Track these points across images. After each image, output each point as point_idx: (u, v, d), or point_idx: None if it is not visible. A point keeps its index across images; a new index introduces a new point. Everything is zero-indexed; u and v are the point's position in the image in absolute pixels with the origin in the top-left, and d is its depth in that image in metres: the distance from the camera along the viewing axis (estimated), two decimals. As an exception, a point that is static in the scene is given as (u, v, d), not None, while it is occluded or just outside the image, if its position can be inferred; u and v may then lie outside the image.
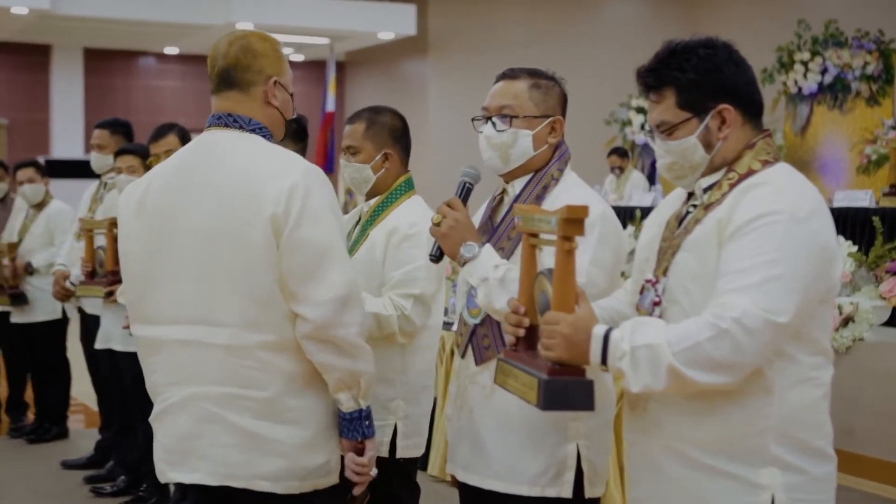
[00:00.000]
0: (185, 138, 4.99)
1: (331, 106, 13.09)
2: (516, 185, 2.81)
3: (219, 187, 2.44)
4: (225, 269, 2.41)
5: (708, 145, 2.25)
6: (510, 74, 2.81)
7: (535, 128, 2.77)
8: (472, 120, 2.84)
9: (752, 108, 2.28)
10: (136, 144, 5.73)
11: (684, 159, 2.27)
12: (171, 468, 2.53)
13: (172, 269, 2.47)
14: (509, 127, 2.75)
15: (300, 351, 2.45)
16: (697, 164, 2.27)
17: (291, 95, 2.64)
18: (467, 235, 2.64)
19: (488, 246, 2.65)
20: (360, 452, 2.58)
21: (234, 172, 2.45)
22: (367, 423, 2.56)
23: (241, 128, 2.53)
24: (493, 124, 2.77)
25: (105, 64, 17.20)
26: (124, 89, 17.41)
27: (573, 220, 2.10)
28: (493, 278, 2.57)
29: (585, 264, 2.56)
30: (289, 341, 2.44)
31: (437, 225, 2.67)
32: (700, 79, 2.22)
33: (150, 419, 2.58)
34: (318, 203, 2.43)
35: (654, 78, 2.27)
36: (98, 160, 6.10)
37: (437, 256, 2.73)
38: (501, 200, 2.87)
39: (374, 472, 2.63)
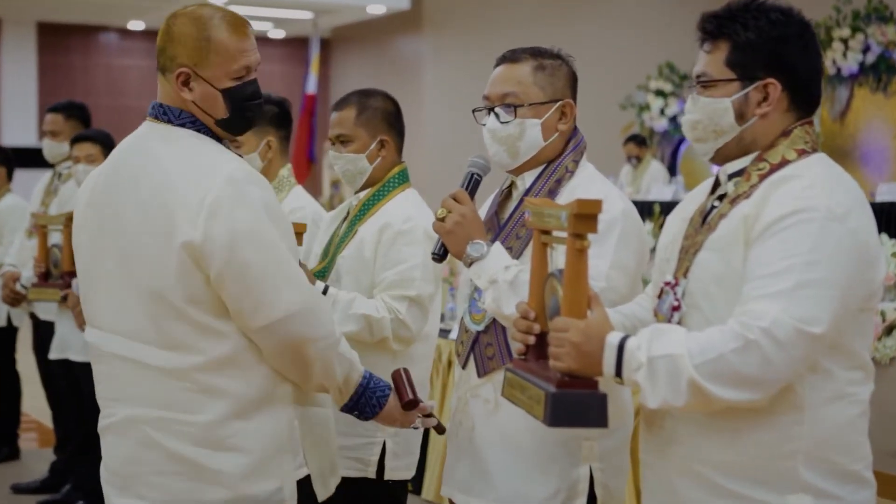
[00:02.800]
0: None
1: (312, 88, 13.11)
2: (526, 179, 2.81)
3: (136, 201, 2.44)
4: (139, 287, 2.42)
5: (741, 115, 2.27)
6: (511, 57, 2.81)
7: (544, 115, 2.77)
8: (473, 112, 2.85)
9: (802, 97, 2.29)
10: (94, 130, 5.72)
11: (710, 120, 2.29)
12: (116, 493, 2.53)
13: (108, 275, 2.49)
14: (514, 117, 2.75)
15: (246, 369, 2.46)
16: (723, 131, 2.29)
17: (225, 93, 2.52)
18: (475, 233, 2.64)
19: (498, 244, 2.65)
20: (411, 407, 2.74)
21: (151, 184, 2.44)
22: (361, 401, 2.67)
23: (169, 121, 2.52)
24: (497, 115, 2.77)
25: (61, 40, 17.20)
26: (83, 69, 17.41)
27: (585, 216, 2.11)
28: (503, 281, 2.57)
29: (605, 267, 2.57)
30: (227, 359, 2.44)
31: (442, 220, 2.66)
32: (759, 42, 2.24)
33: (98, 429, 2.58)
34: (245, 217, 2.40)
35: (714, 25, 2.29)
36: (51, 148, 6.10)
37: (440, 255, 2.72)
38: (510, 195, 2.87)
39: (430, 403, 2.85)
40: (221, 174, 2.41)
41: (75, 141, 5.56)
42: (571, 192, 2.72)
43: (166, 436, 2.44)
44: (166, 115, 2.52)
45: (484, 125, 2.80)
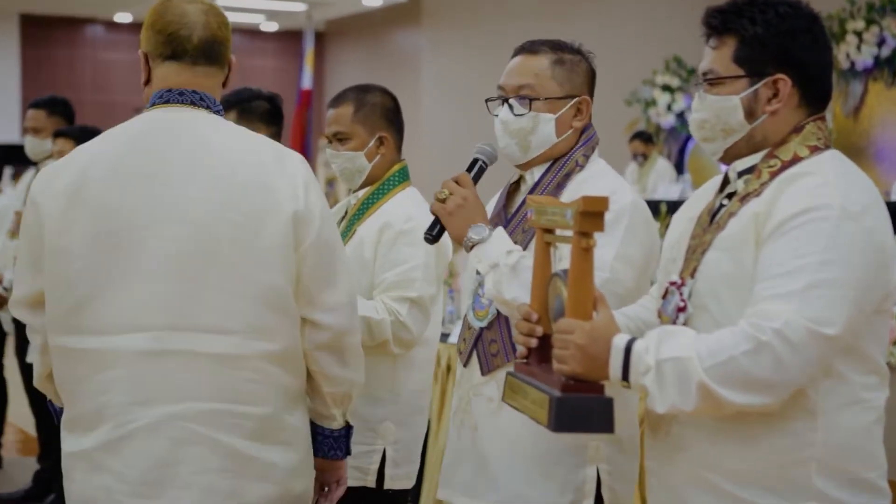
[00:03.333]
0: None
1: (307, 83, 13.09)
2: (535, 173, 2.82)
3: (215, 174, 2.45)
4: (224, 268, 2.42)
5: (750, 113, 2.28)
6: (530, 48, 2.82)
7: (559, 111, 2.78)
8: (487, 101, 2.86)
9: (813, 92, 2.29)
10: (75, 127, 5.73)
11: (718, 119, 2.30)
12: (140, 502, 2.44)
13: (135, 269, 2.42)
14: (529, 110, 2.76)
15: (299, 363, 2.53)
16: (732, 130, 2.30)
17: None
18: (477, 216, 2.65)
19: (500, 229, 2.66)
20: (338, 481, 2.72)
21: (233, 159, 2.47)
22: (350, 438, 2.72)
23: (208, 108, 2.56)
24: (511, 107, 2.78)
25: (45, 32, 17.21)
26: (68, 63, 17.42)
27: (591, 214, 2.11)
28: (505, 265, 2.58)
29: (610, 258, 2.58)
30: (293, 352, 2.51)
31: (442, 201, 2.67)
32: (767, 37, 2.25)
33: (92, 448, 2.45)
34: (323, 198, 2.55)
35: (720, 20, 2.30)
36: (34, 145, 6.11)
37: (434, 236, 2.71)
38: (518, 189, 2.88)
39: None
40: (296, 157, 2.56)
41: (56, 137, 5.56)
42: (580, 185, 2.73)
43: (216, 429, 2.42)
44: (204, 101, 2.56)
45: (496, 116, 2.81)
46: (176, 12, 2.57)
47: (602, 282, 2.49)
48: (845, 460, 2.17)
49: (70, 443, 2.51)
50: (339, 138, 3.43)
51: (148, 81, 2.60)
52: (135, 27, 17.64)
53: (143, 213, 2.43)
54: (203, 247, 2.42)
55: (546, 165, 2.80)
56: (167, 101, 2.55)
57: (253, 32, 17.87)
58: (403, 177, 3.47)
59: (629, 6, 14.28)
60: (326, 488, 2.75)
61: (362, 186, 3.46)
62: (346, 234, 3.39)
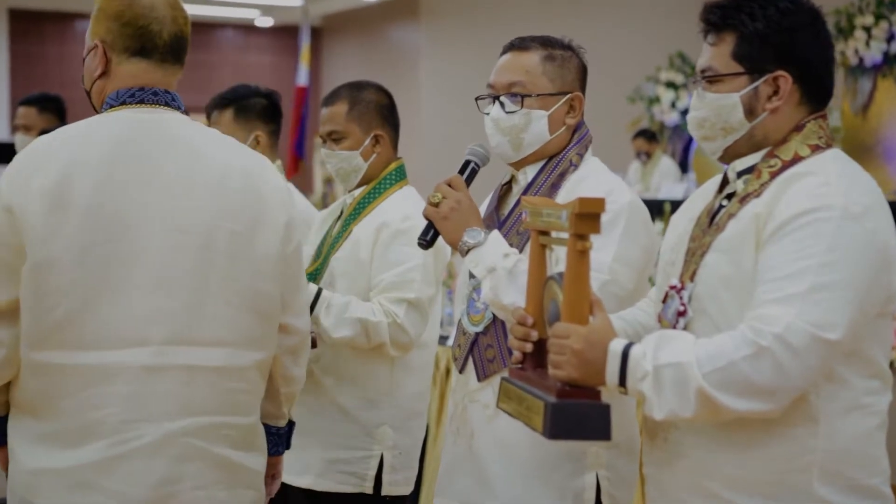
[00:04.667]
0: None
1: (303, 80, 13.07)
2: (528, 172, 2.82)
3: (209, 182, 2.44)
4: (221, 279, 2.42)
5: (750, 111, 2.28)
6: (519, 45, 2.83)
7: (551, 107, 2.79)
8: (477, 99, 2.86)
9: (815, 90, 2.30)
10: (68, 126, 5.73)
11: (718, 117, 2.30)
12: None
13: (131, 281, 2.37)
14: (521, 107, 2.77)
15: (269, 369, 2.58)
16: (732, 129, 2.30)
17: None
18: (471, 219, 2.65)
19: (496, 232, 2.67)
20: (274, 476, 2.80)
21: (223, 166, 2.47)
22: (291, 434, 2.82)
23: (178, 109, 2.54)
24: (502, 104, 2.79)
25: (35, 27, 17.18)
26: (58, 59, 17.39)
27: (587, 216, 2.12)
28: (502, 268, 2.58)
29: (608, 259, 2.59)
30: (271, 359, 2.57)
31: (436, 206, 2.67)
32: (768, 33, 2.25)
33: (78, 465, 2.37)
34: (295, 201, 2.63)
35: (718, 16, 2.30)
36: (24, 143, 6.10)
37: (428, 242, 2.71)
38: (510, 189, 2.89)
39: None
40: (269, 162, 2.61)
41: (41, 134, 5.57)
42: (576, 184, 2.74)
43: (213, 443, 2.44)
44: (175, 101, 2.54)
45: (487, 114, 2.81)
46: (144, 4, 2.51)
47: (601, 284, 2.49)
48: (847, 466, 2.17)
49: (40, 458, 2.39)
50: (333, 138, 3.44)
51: (103, 74, 2.53)
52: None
53: (138, 223, 2.38)
54: (201, 256, 2.41)
55: (539, 165, 2.81)
56: (141, 101, 2.50)
57: (247, 28, 17.84)
58: (400, 175, 3.48)
59: (632, 1, 14.29)
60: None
61: (358, 186, 3.47)
62: (342, 234, 3.39)
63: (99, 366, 2.37)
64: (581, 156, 2.82)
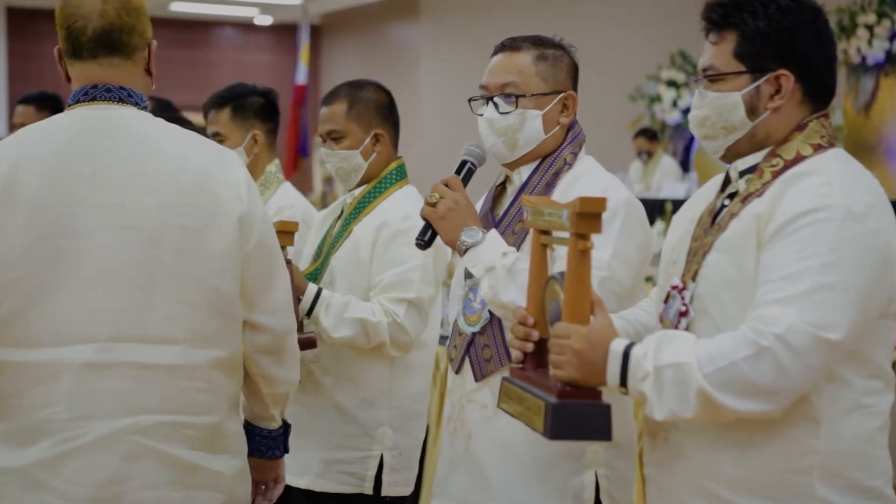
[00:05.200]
0: None
1: (302, 78, 13.08)
2: (523, 172, 2.83)
3: (159, 177, 2.42)
4: (171, 276, 2.40)
5: (752, 110, 2.29)
6: (511, 45, 2.83)
7: (545, 107, 2.80)
8: (469, 101, 2.87)
9: (817, 89, 2.30)
10: None
11: (720, 116, 2.31)
12: None
13: (78, 278, 2.37)
14: (515, 107, 2.78)
15: (240, 368, 2.55)
16: (733, 128, 2.30)
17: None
18: (469, 219, 2.66)
19: (494, 231, 2.68)
20: (276, 481, 2.78)
21: (174, 160, 2.44)
22: (287, 437, 2.77)
23: (136, 104, 2.51)
24: (496, 105, 2.80)
25: (32, 26, 17.16)
26: (55, 57, 17.42)
27: (588, 215, 2.12)
28: (501, 267, 2.59)
29: (606, 256, 2.59)
30: (236, 358, 2.52)
31: (433, 206, 2.68)
32: (769, 31, 2.26)
33: (28, 464, 2.37)
34: (261, 198, 2.56)
35: (720, 14, 2.30)
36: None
37: (426, 242, 2.72)
38: (504, 190, 2.90)
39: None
40: (232, 154, 2.55)
41: None
42: (570, 185, 2.75)
43: (165, 441, 2.41)
44: (132, 97, 2.51)
45: (481, 115, 2.82)
46: (73, 3, 2.50)
47: (599, 281, 2.50)
48: (849, 467, 2.18)
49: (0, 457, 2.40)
50: (333, 137, 3.44)
51: (69, 79, 2.54)
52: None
53: (86, 219, 2.38)
54: (149, 253, 2.39)
55: (534, 165, 2.82)
56: (93, 98, 2.49)
57: (246, 26, 17.85)
58: (401, 175, 3.48)
59: (633, -1, 14.28)
60: (264, 487, 2.77)
61: (358, 185, 3.47)
62: (342, 233, 3.40)
63: (45, 363, 2.37)
64: (575, 155, 2.83)
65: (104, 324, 2.37)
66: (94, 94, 2.48)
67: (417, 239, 2.72)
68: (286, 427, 2.76)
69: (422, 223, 2.73)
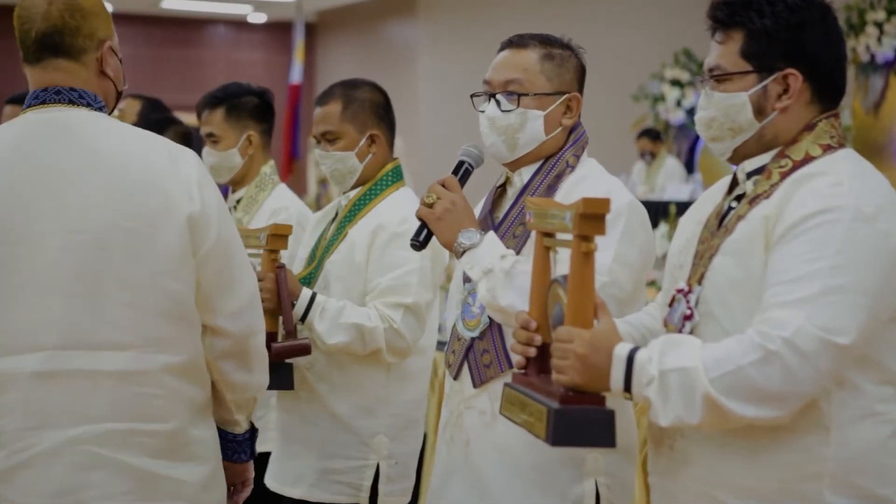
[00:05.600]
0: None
1: (297, 77, 13.08)
2: (524, 174, 2.83)
3: (104, 179, 2.40)
4: (119, 279, 2.38)
5: (760, 111, 2.28)
6: (518, 42, 2.83)
7: (548, 107, 2.79)
8: (472, 97, 2.87)
9: (826, 88, 2.30)
10: None
11: (727, 117, 2.31)
12: None
13: (24, 285, 2.37)
14: (517, 106, 2.77)
15: (202, 373, 2.53)
16: (740, 129, 2.30)
17: (121, 62, 2.60)
18: (466, 220, 2.66)
19: (492, 233, 2.67)
20: (244, 484, 2.79)
21: (122, 161, 2.43)
22: (254, 441, 2.78)
23: (88, 105, 2.50)
24: (498, 103, 2.79)
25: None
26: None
27: (592, 217, 2.12)
28: (500, 269, 2.59)
29: (608, 261, 2.59)
30: (196, 363, 2.51)
31: (430, 206, 2.68)
32: (777, 30, 2.26)
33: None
34: (218, 194, 2.52)
35: (726, 13, 2.30)
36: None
37: (421, 243, 2.72)
38: (504, 192, 2.89)
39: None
40: (188, 153, 2.51)
41: None
42: (574, 185, 2.75)
43: (120, 450, 2.40)
44: (83, 98, 2.49)
45: (482, 112, 2.82)
46: (24, 5, 2.49)
47: (601, 285, 2.50)
48: (859, 476, 2.17)
49: None
50: (327, 138, 3.43)
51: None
52: (114, 19, 17.61)
53: (32, 225, 2.38)
54: (96, 257, 2.38)
55: (535, 166, 2.82)
56: (44, 102, 2.49)
57: (240, 24, 17.85)
58: (397, 176, 3.48)
59: (636, -4, 14.28)
60: (232, 489, 2.77)
61: (354, 187, 3.47)
62: (337, 237, 3.39)
63: None
64: (577, 157, 2.83)
65: (52, 332, 2.37)
66: (45, 97, 2.49)
67: (412, 240, 2.72)
68: (253, 431, 2.76)
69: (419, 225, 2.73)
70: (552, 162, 2.81)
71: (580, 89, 2.86)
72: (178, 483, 2.46)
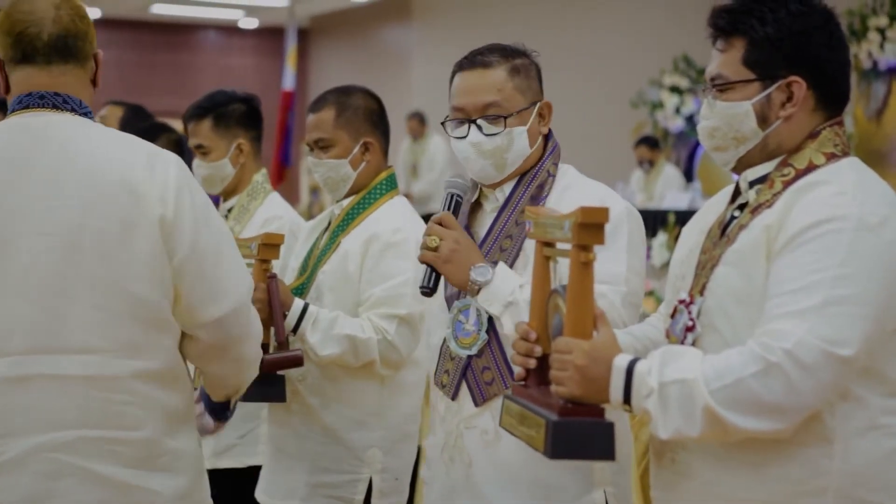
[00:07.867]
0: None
1: (289, 84, 13.08)
2: (505, 188, 2.81)
3: (77, 182, 2.42)
4: (89, 282, 2.38)
5: (764, 119, 2.28)
6: (480, 62, 2.80)
7: (528, 121, 2.79)
8: (443, 123, 2.85)
9: (830, 95, 2.30)
10: None
11: (730, 127, 2.31)
12: None
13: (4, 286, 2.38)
14: (504, 128, 2.76)
15: (181, 381, 2.52)
16: (744, 138, 2.30)
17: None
18: (473, 256, 2.66)
19: (501, 265, 2.67)
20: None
21: (97, 164, 2.44)
22: (225, 410, 2.82)
23: (73, 111, 2.52)
24: (479, 128, 2.77)
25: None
26: None
27: (591, 226, 2.12)
28: (522, 300, 2.58)
29: (623, 271, 2.60)
30: (173, 370, 2.49)
31: (434, 250, 2.67)
32: (779, 37, 2.26)
33: None
34: (202, 199, 2.52)
35: (727, 21, 2.30)
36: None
37: (431, 288, 2.72)
38: (480, 207, 2.87)
39: None
40: (168, 156, 2.51)
41: None
42: (562, 194, 2.75)
43: (90, 459, 2.39)
44: (68, 104, 2.51)
45: (461, 138, 2.79)
46: (23, 9, 2.51)
47: (622, 297, 2.52)
48: (864, 489, 2.17)
49: None
50: (320, 146, 3.43)
51: (8, 90, 2.55)
52: (104, 24, 17.62)
53: (4, 228, 2.40)
54: (66, 259, 2.38)
55: (514, 180, 2.80)
56: (27, 106, 2.51)
57: (231, 29, 17.86)
58: (391, 185, 3.47)
59: (633, 2, 14.30)
60: None
61: (347, 195, 3.46)
62: (330, 246, 3.39)
63: None
64: (556, 165, 2.83)
65: (19, 336, 2.38)
66: (28, 101, 2.51)
67: (421, 287, 2.72)
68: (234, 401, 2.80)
69: (413, 235, 2.72)
70: (532, 172, 2.80)
71: (542, 92, 2.85)
72: (151, 494, 2.45)
